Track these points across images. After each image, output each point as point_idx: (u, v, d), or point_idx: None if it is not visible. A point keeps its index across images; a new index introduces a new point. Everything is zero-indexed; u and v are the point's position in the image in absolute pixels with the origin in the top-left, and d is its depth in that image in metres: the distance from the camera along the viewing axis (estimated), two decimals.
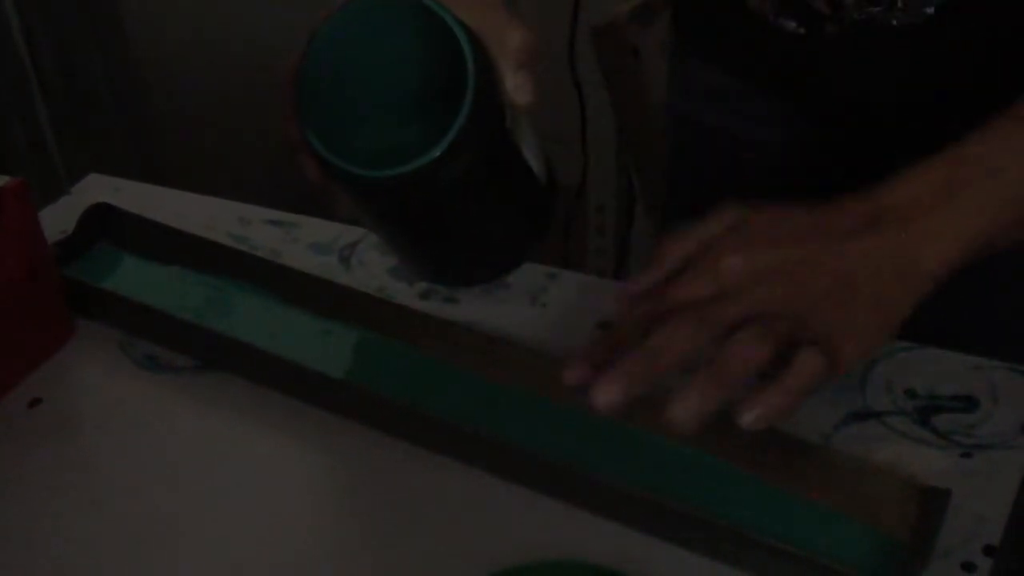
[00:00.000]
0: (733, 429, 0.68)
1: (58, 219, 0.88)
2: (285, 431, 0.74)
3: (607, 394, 0.60)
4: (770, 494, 0.66)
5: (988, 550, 0.63)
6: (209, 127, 1.69)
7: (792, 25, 0.85)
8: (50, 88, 1.77)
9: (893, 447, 0.69)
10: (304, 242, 0.89)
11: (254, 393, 0.76)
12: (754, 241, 0.62)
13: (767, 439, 0.68)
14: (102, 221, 0.88)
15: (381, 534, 0.67)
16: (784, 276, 0.61)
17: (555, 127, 1.99)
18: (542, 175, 0.68)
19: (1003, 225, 0.63)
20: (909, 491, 0.65)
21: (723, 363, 0.60)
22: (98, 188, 0.94)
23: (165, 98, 1.82)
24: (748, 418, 0.60)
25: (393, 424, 0.72)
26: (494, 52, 0.62)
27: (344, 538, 0.68)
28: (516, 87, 0.63)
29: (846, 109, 0.73)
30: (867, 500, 0.65)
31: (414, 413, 0.71)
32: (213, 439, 0.75)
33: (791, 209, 0.64)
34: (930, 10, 0.79)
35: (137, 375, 0.78)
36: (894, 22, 0.80)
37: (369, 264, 0.87)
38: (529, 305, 0.82)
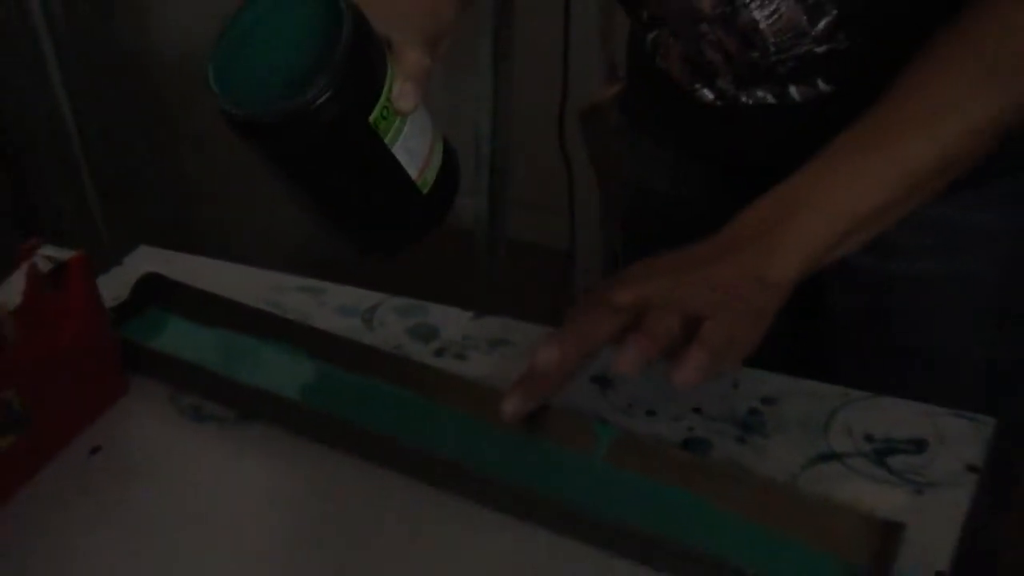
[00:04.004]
0: (714, 471, 0.70)
1: (112, 286, 0.88)
2: (315, 474, 0.74)
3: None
4: (746, 528, 0.67)
5: None
6: (244, 202, 1.70)
7: (709, 96, 0.86)
8: (97, 168, 1.78)
9: (854, 485, 0.70)
10: (331, 306, 0.89)
11: (287, 440, 0.76)
12: (644, 278, 0.68)
13: (743, 479, 0.69)
14: (152, 288, 0.88)
15: (405, 568, 0.68)
16: (668, 299, 0.66)
17: (545, 197, 2.01)
18: (418, 177, 0.69)
19: (828, 241, 0.68)
20: (868, 524, 0.65)
21: (647, 325, 0.65)
22: (147, 259, 0.95)
23: (203, 176, 1.82)
24: (679, 376, 0.64)
25: (411, 467, 0.72)
26: (393, 61, 0.66)
27: (358, 573, 0.68)
28: (400, 93, 0.65)
29: (767, 177, 0.74)
30: (831, 533, 0.65)
31: (428, 457, 0.71)
32: (251, 482, 0.75)
33: (673, 251, 0.69)
34: (827, 88, 0.81)
35: (184, 425, 0.79)
36: (797, 98, 0.82)
37: (388, 324, 0.87)
38: None
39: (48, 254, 0.76)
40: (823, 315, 0.92)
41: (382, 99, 0.65)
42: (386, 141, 0.66)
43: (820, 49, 0.78)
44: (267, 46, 0.65)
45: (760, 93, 0.83)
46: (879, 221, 0.70)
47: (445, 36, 0.74)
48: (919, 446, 0.73)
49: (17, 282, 0.74)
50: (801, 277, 0.68)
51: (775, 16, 0.76)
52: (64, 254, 0.76)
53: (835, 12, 0.75)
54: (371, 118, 0.64)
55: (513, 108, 1.83)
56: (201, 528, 0.71)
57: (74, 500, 0.73)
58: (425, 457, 0.72)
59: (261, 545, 0.70)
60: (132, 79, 1.81)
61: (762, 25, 0.77)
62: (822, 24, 0.76)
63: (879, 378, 0.78)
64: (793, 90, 0.81)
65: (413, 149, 0.68)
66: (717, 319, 0.65)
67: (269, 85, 0.64)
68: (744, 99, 0.84)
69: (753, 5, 0.76)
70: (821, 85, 0.80)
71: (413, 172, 0.68)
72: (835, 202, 0.69)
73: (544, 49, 1.79)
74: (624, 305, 0.67)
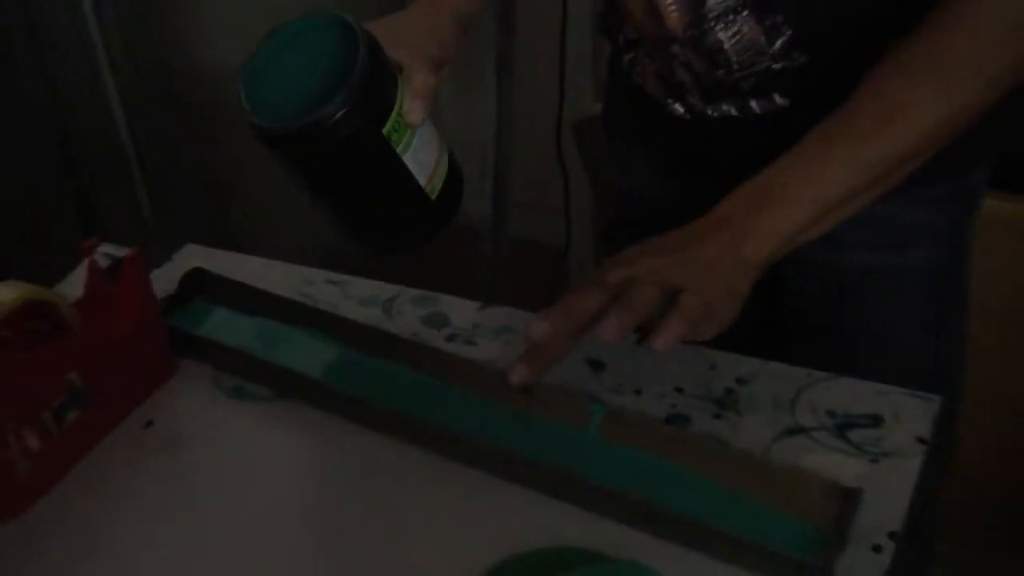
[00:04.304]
0: (694, 444, 0.70)
1: (162, 280, 0.89)
2: (343, 446, 0.75)
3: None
4: (723, 494, 0.68)
5: (892, 535, 0.65)
6: (279, 205, 1.70)
7: (680, 110, 0.87)
8: (149, 174, 1.77)
9: (818, 456, 0.71)
10: (355, 297, 0.89)
11: (318, 416, 0.77)
12: (633, 259, 0.69)
13: (720, 451, 0.70)
14: (198, 282, 0.89)
15: (412, 530, 0.68)
16: (655, 275, 0.67)
17: (544, 200, 2.01)
18: (427, 184, 0.70)
19: (798, 226, 0.70)
20: (831, 491, 0.66)
21: (628, 297, 0.66)
22: (193, 256, 0.95)
23: (242, 182, 1.82)
24: (658, 341, 0.64)
25: (427, 440, 0.73)
26: (403, 82, 0.68)
27: (380, 535, 0.68)
28: (409, 108, 0.68)
29: (740, 180, 0.75)
30: (798, 498, 0.66)
31: (442, 431, 0.72)
32: (286, 452, 0.76)
33: (659, 236, 0.71)
34: (783, 102, 0.81)
35: (226, 402, 0.80)
36: (757, 111, 0.83)
37: (405, 314, 0.87)
38: None
39: (106, 251, 0.78)
40: (784, 305, 0.93)
41: (394, 114, 0.66)
42: (398, 151, 0.68)
43: (777, 66, 0.79)
44: (292, 68, 0.67)
45: (725, 107, 0.84)
46: (843, 209, 0.71)
47: (448, 60, 0.78)
48: (875, 421, 0.73)
49: (79, 276, 0.75)
50: (773, 258, 0.70)
51: (737, 36, 0.77)
52: (120, 251, 0.78)
53: (790, 33, 0.77)
54: (384, 130, 0.65)
55: (514, 120, 1.83)
56: (241, 492, 0.72)
57: (130, 466, 0.75)
58: (440, 432, 0.73)
59: (294, 508, 0.72)
60: (179, 94, 1.81)
61: (726, 45, 0.78)
62: (778, 43, 0.77)
63: (835, 361, 0.78)
64: (754, 104, 0.83)
65: (422, 159, 0.70)
66: (695, 291, 0.66)
67: (294, 102, 0.66)
68: (711, 112, 0.85)
69: (719, 27, 0.78)
70: (778, 99, 0.81)
71: (422, 180, 0.70)
72: (804, 191, 0.70)
73: (542, 68, 1.80)
74: (614, 283, 0.67)
